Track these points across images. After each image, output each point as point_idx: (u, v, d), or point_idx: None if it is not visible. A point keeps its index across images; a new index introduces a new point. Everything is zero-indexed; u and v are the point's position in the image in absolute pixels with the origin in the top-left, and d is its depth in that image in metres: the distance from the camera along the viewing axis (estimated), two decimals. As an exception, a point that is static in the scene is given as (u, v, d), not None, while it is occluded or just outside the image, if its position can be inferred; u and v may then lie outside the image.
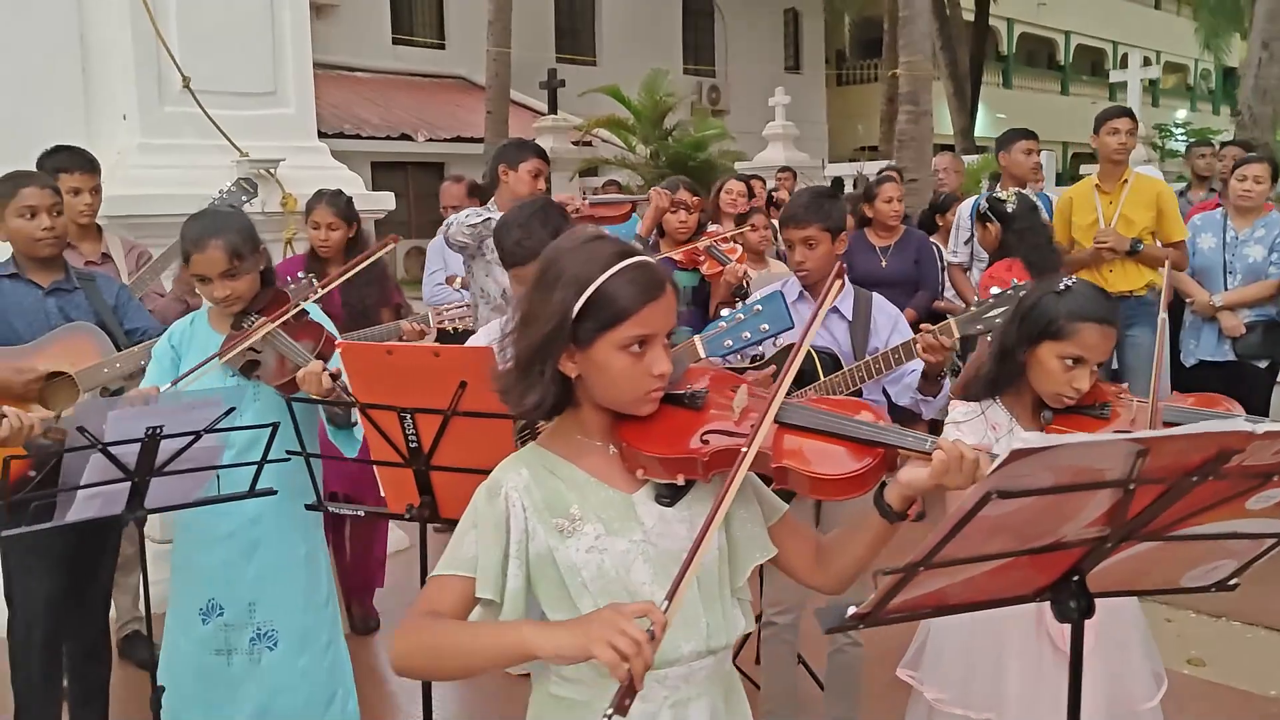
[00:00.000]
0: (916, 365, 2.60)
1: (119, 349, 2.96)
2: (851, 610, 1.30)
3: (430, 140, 17.47)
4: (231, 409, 2.09)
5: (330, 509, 2.37)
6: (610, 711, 1.21)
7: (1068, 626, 1.37)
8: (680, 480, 1.43)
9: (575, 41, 22.46)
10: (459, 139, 17.24)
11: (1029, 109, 23.52)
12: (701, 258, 4.38)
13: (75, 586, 2.96)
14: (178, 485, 2.05)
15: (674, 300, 1.43)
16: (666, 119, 14.53)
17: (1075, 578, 1.33)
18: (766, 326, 2.38)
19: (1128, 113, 4.90)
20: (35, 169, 3.87)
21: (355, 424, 2.40)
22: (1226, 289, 4.92)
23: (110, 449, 1.86)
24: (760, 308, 2.41)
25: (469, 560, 1.41)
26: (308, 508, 2.36)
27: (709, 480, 1.45)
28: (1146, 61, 18.98)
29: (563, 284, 1.39)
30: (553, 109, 16.06)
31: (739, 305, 2.68)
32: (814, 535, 1.61)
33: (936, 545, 1.19)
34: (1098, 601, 1.35)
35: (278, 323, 2.42)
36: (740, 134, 16.66)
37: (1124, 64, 22.94)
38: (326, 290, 2.76)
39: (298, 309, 2.47)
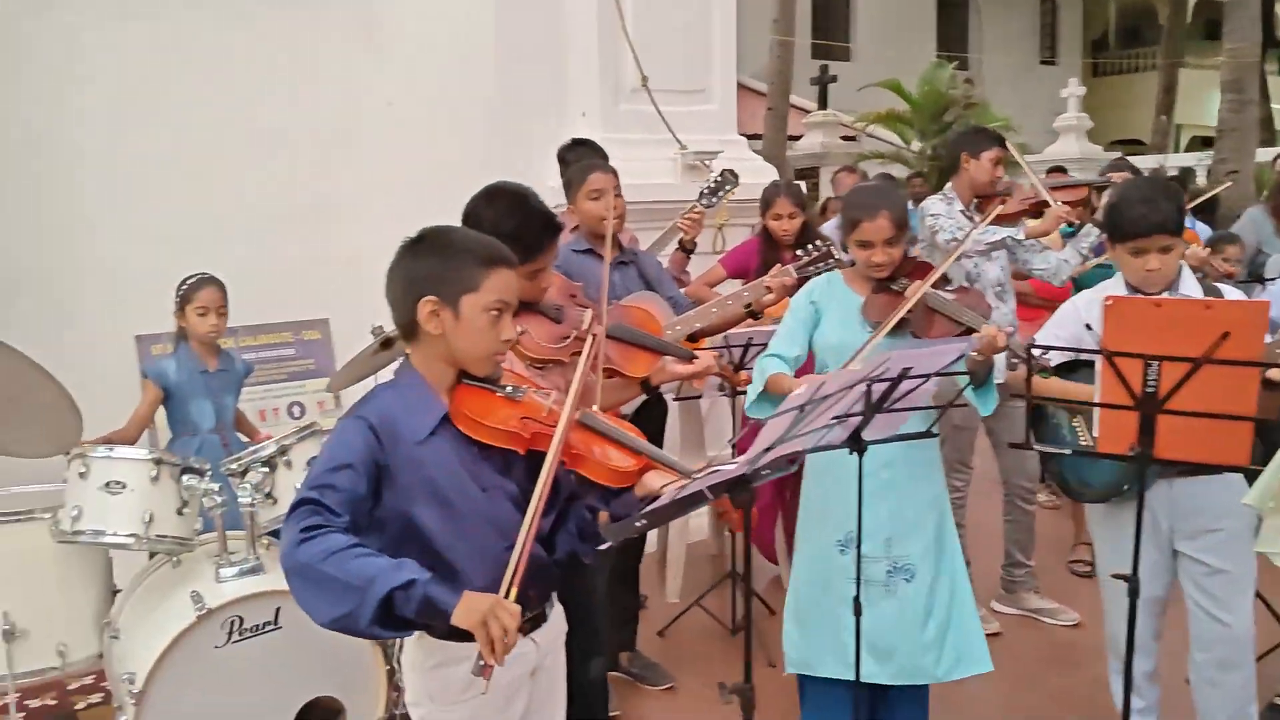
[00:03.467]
0: None
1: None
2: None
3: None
4: (961, 355, 2.42)
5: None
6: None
7: None
8: None
9: (829, 37, 22.50)
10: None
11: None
12: None
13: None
14: (883, 421, 2.37)
15: None
16: (946, 113, 14.40)
17: None
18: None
19: None
20: (559, 157, 4.42)
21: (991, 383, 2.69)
22: None
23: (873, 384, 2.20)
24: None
25: None
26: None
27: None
28: None
29: None
30: (822, 104, 16.21)
31: None
32: None
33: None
34: None
35: (928, 283, 2.75)
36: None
37: None
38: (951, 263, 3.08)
39: (940, 274, 2.81)
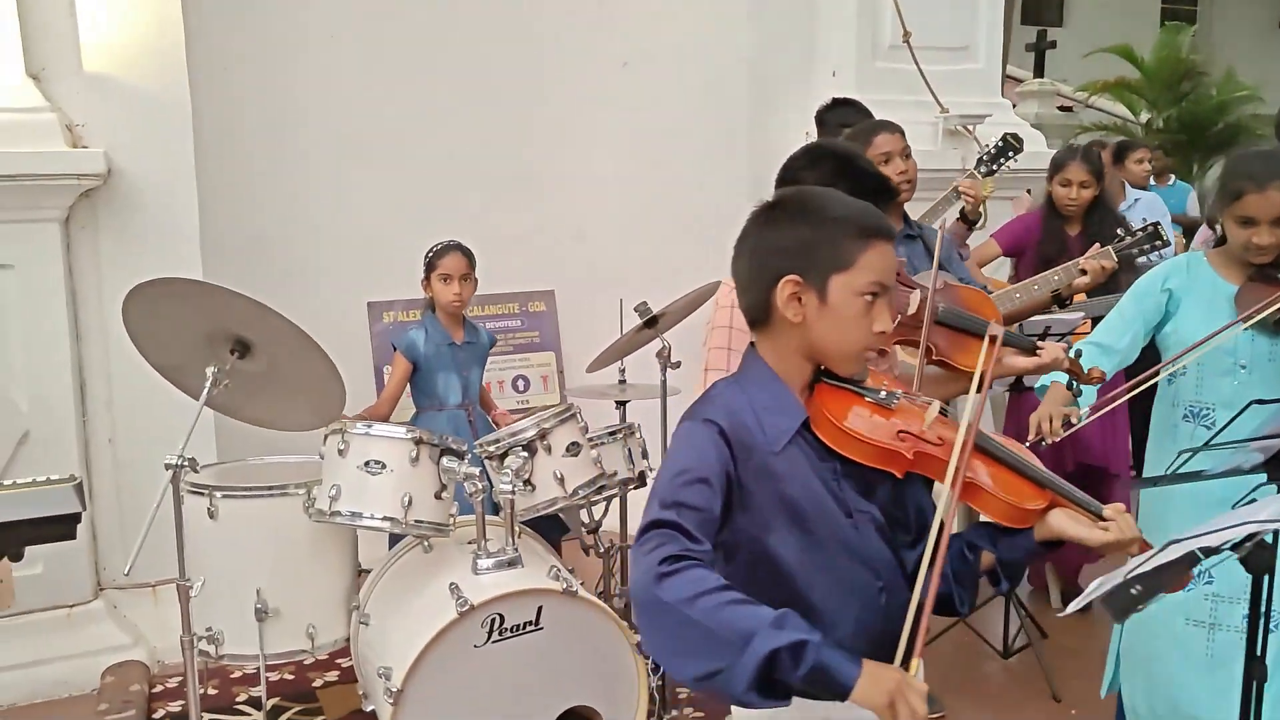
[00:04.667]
0: None
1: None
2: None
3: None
4: None
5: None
6: None
7: None
8: None
9: (1039, 1, 21.06)
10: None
11: None
12: None
13: None
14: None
15: None
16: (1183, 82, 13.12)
17: None
18: None
19: None
20: (817, 120, 4.03)
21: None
22: None
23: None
24: None
25: None
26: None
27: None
28: None
29: None
30: (1039, 73, 15.11)
31: None
32: None
33: None
34: None
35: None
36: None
37: None
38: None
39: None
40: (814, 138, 4.74)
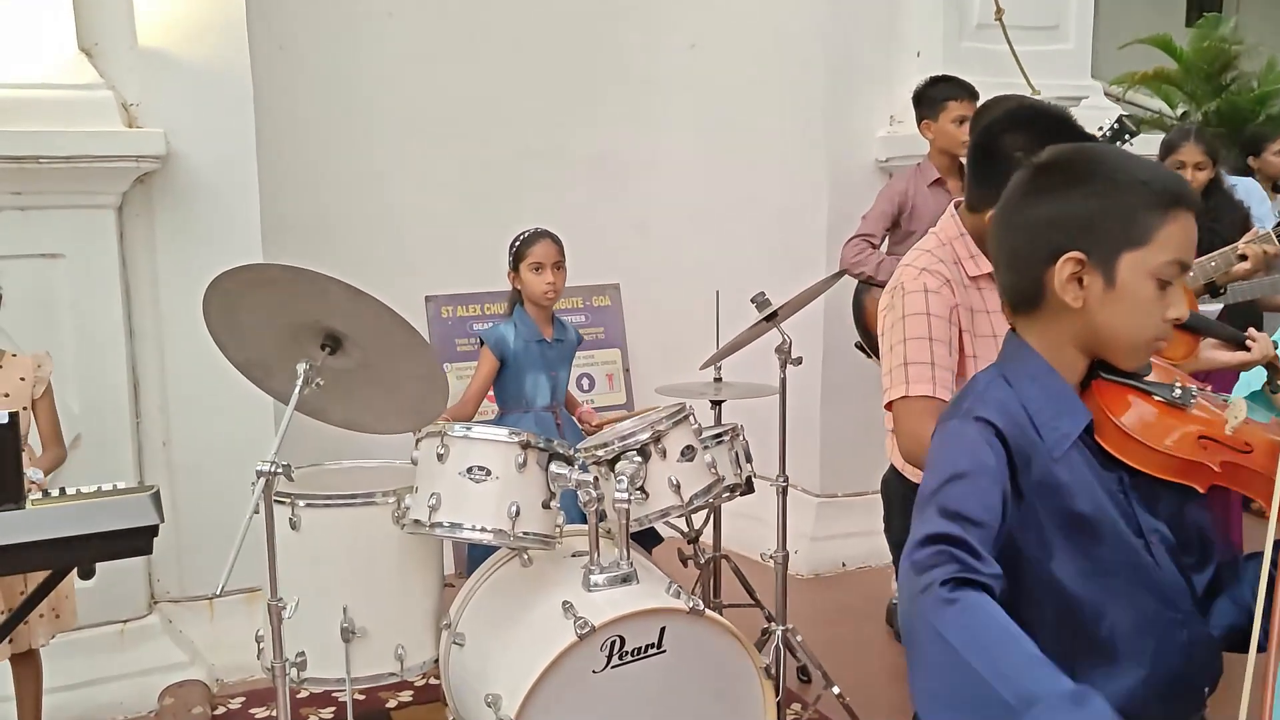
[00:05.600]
0: None
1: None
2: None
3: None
4: None
5: None
6: None
7: None
8: None
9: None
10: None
11: None
12: None
13: None
14: None
15: None
16: (1225, 73, 12.79)
17: None
18: None
19: None
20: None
21: None
22: None
23: None
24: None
25: None
26: None
27: None
28: None
29: None
30: (1070, 65, 14.82)
31: None
32: None
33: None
34: None
35: None
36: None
37: None
38: None
39: None
40: (900, 122, 4.50)
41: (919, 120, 3.76)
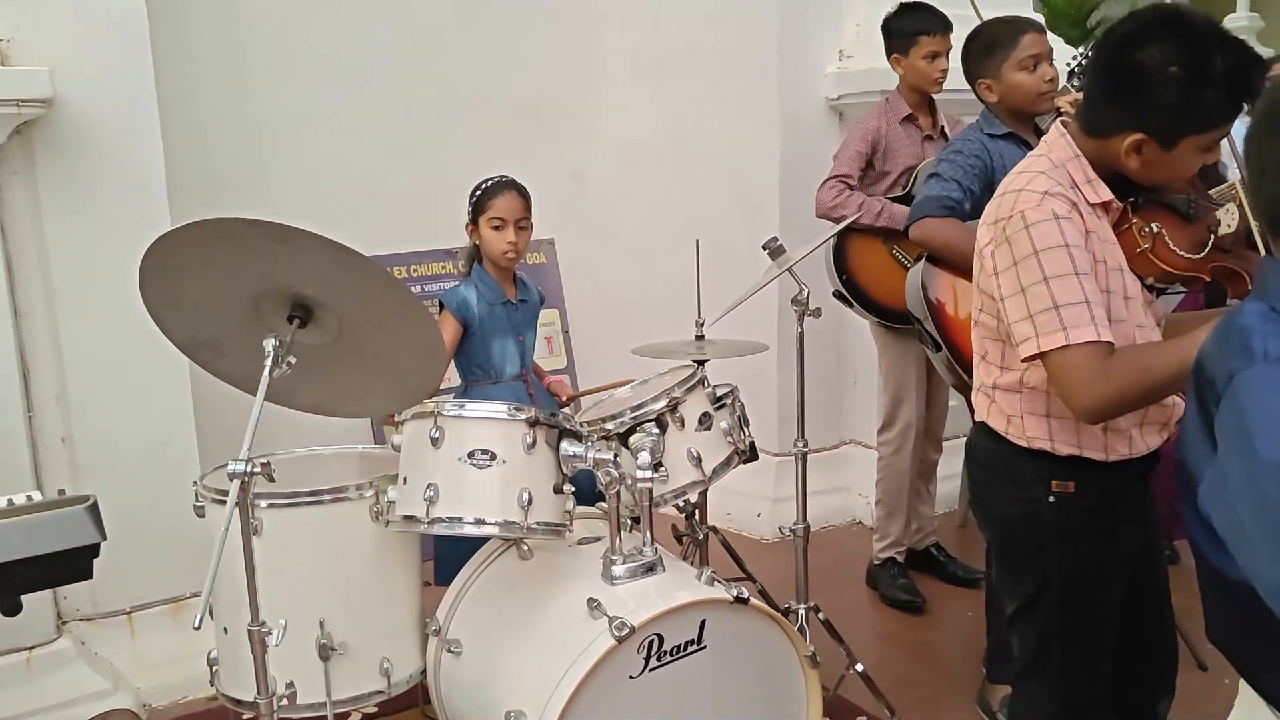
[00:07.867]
0: None
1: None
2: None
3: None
4: None
5: None
6: None
7: None
8: None
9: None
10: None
11: None
12: None
13: None
14: None
15: None
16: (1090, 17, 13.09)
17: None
18: None
19: None
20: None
21: None
22: None
23: None
24: None
25: None
26: None
27: None
28: None
29: None
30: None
31: None
32: None
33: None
34: None
35: None
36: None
37: None
38: None
39: None
40: (851, 57, 4.26)
41: (888, 54, 3.51)
